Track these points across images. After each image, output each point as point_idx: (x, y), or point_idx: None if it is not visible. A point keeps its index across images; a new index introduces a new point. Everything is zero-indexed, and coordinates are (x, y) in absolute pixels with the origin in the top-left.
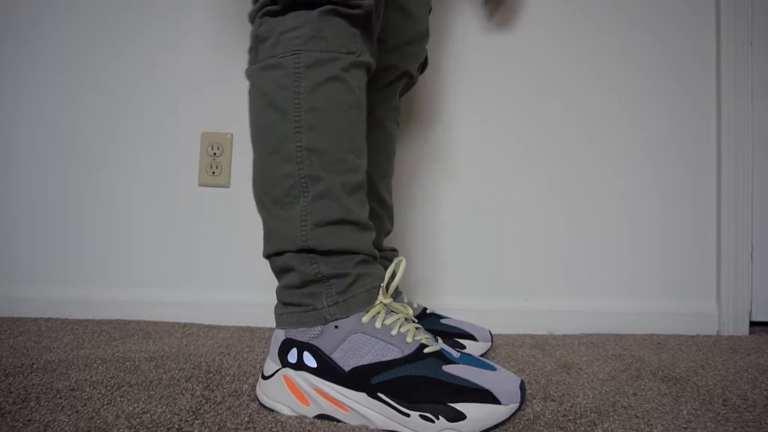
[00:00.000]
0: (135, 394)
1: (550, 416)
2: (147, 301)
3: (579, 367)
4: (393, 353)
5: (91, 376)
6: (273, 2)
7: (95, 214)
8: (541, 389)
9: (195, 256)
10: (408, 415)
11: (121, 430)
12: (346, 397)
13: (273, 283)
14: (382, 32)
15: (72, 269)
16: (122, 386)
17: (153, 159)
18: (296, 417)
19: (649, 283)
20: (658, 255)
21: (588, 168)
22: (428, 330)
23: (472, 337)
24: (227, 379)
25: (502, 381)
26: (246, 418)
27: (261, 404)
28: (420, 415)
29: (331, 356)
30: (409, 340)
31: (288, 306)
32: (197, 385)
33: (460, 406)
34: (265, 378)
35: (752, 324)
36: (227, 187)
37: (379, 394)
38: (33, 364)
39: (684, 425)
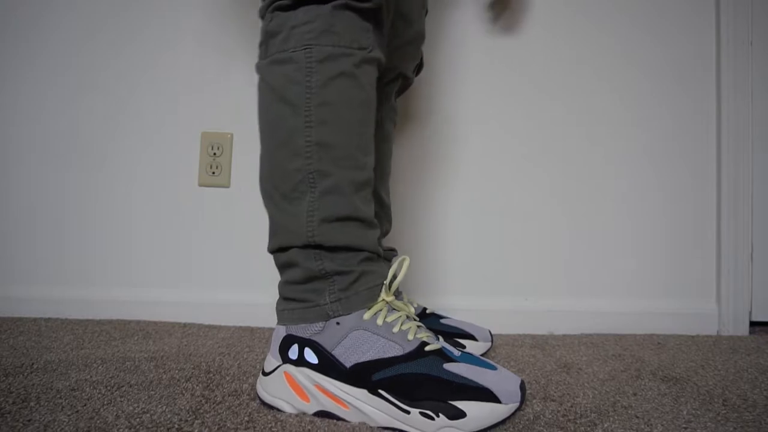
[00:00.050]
0: (135, 394)
1: (550, 416)
2: (147, 301)
3: (579, 367)
4: (394, 350)
5: (91, 376)
6: None
7: (95, 214)
8: (541, 389)
9: (195, 256)
10: (408, 413)
11: (121, 430)
12: (347, 393)
13: (273, 283)
14: None
15: (72, 269)
16: (122, 386)
17: (153, 159)
18: (296, 416)
19: (650, 283)
20: (659, 255)
21: (589, 169)
22: (428, 330)
23: (472, 337)
24: (227, 378)
25: (502, 380)
26: (246, 418)
27: (261, 400)
28: (420, 413)
29: (333, 352)
30: (410, 337)
31: (290, 301)
32: (197, 385)
33: (460, 404)
34: (265, 374)
35: (752, 324)
36: (227, 187)
37: (380, 391)
38: (33, 364)
39: (684, 425)
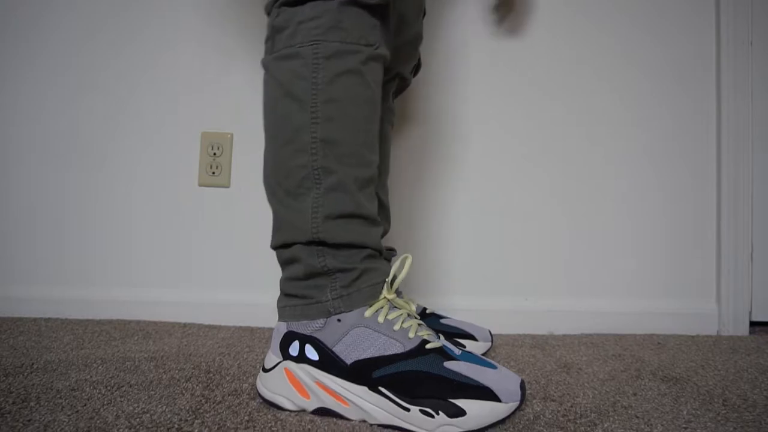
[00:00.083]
0: (135, 394)
1: (550, 416)
2: (147, 301)
3: (579, 367)
4: (395, 348)
5: (91, 376)
6: None
7: (95, 214)
8: (541, 389)
9: (195, 256)
10: (408, 410)
11: (121, 430)
12: (347, 390)
13: (273, 283)
14: None
15: (72, 269)
16: (122, 386)
17: (153, 159)
18: (296, 415)
19: (650, 283)
20: (659, 255)
21: (589, 169)
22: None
23: (472, 337)
24: (227, 378)
25: (503, 379)
26: (246, 417)
27: (261, 397)
28: (420, 410)
29: (333, 349)
30: (411, 335)
31: (291, 298)
32: (197, 385)
33: (460, 403)
34: (265, 371)
35: (752, 324)
36: (227, 187)
37: (380, 388)
38: (33, 364)
39: (684, 425)
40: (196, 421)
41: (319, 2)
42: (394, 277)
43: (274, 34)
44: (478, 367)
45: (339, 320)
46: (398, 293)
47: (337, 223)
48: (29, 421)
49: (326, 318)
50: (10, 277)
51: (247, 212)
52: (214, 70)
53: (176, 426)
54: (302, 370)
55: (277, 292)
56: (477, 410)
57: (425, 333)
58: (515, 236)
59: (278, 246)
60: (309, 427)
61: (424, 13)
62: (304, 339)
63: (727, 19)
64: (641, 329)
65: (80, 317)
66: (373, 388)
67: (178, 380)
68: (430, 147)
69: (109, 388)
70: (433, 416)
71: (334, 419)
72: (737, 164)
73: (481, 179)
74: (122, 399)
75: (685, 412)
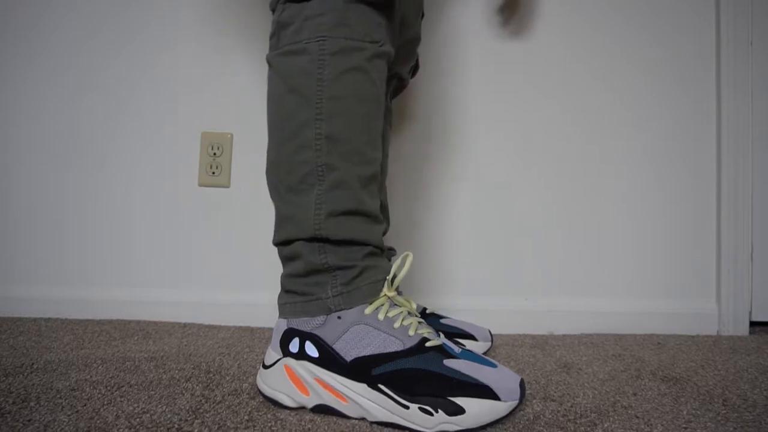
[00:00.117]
0: (135, 394)
1: (550, 416)
2: (147, 301)
3: (579, 367)
4: (395, 345)
5: (91, 376)
6: None
7: (95, 214)
8: (541, 389)
9: (195, 256)
10: (407, 408)
11: (121, 430)
12: (347, 387)
13: (273, 283)
14: None
15: (72, 269)
16: (122, 386)
17: (153, 159)
18: (296, 414)
19: (650, 283)
20: (659, 255)
21: (589, 169)
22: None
23: (471, 337)
24: (227, 378)
25: (502, 378)
26: (246, 417)
27: (261, 393)
28: (419, 408)
29: (333, 346)
30: (411, 333)
31: (292, 294)
32: (197, 385)
33: (459, 401)
34: (266, 367)
35: (752, 324)
36: (227, 187)
37: (380, 386)
38: (33, 364)
39: (684, 425)
40: (196, 421)
41: None
42: (395, 275)
43: (279, 30)
44: (478, 365)
45: (339, 317)
46: (398, 292)
47: (339, 220)
48: (29, 421)
49: (326, 315)
50: (10, 277)
51: (247, 212)
52: (214, 70)
53: (176, 426)
54: (302, 367)
55: (277, 292)
56: (476, 408)
57: (425, 331)
58: (515, 236)
59: (280, 242)
60: (309, 426)
61: (423, 15)
62: (304, 336)
63: (727, 19)
64: (641, 329)
65: (80, 317)
66: (373, 386)
67: (178, 380)
68: (429, 147)
69: (109, 388)
70: (432, 414)
71: (334, 419)
72: (737, 164)
73: (481, 179)
74: (122, 399)
75: (685, 412)
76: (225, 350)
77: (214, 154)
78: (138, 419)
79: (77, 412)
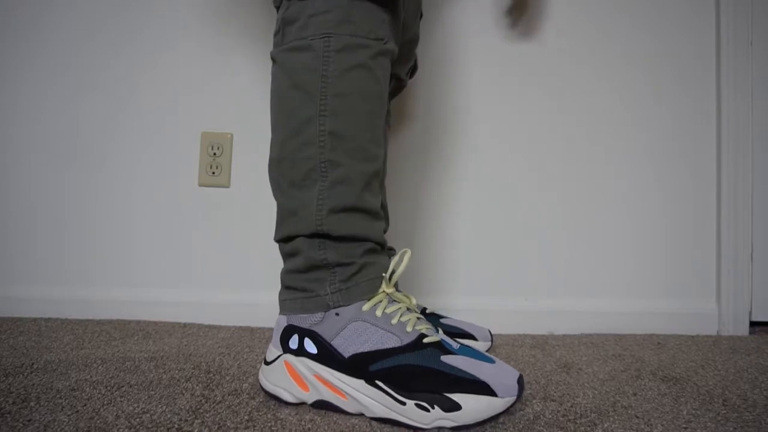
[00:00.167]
0: (135, 394)
1: (550, 416)
2: (147, 301)
3: (579, 367)
4: (392, 341)
5: (91, 376)
6: None
7: (95, 214)
8: (541, 389)
9: (195, 256)
10: (404, 404)
11: (121, 430)
12: (345, 383)
13: (273, 283)
14: None
15: (72, 269)
16: (122, 386)
17: (153, 159)
18: (296, 414)
19: (650, 284)
20: (659, 255)
21: (589, 168)
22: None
23: (471, 337)
24: (227, 378)
25: (499, 374)
26: (246, 417)
27: (263, 389)
28: (416, 404)
29: (332, 343)
30: (409, 329)
31: (291, 290)
32: (197, 385)
33: (456, 397)
34: (267, 364)
35: (752, 324)
36: (227, 187)
37: (377, 382)
38: (33, 364)
39: (684, 425)
40: (196, 421)
41: None
42: (393, 272)
43: (283, 27)
44: (476, 361)
45: (337, 314)
46: (397, 290)
47: (340, 217)
48: (29, 421)
49: (325, 312)
50: (10, 277)
51: (247, 212)
52: (214, 70)
53: (176, 426)
54: (301, 363)
55: (277, 292)
56: (472, 405)
57: (424, 327)
58: (515, 236)
59: (281, 239)
60: (309, 426)
61: (421, 16)
62: (303, 332)
63: (727, 19)
64: (641, 329)
65: (80, 317)
66: (370, 382)
67: (178, 380)
68: (428, 147)
69: (109, 388)
70: (428, 410)
71: (334, 418)
72: (737, 164)
73: (480, 179)
74: (122, 399)
75: (685, 412)
76: (225, 350)
77: (214, 154)
78: (138, 419)
79: (77, 412)
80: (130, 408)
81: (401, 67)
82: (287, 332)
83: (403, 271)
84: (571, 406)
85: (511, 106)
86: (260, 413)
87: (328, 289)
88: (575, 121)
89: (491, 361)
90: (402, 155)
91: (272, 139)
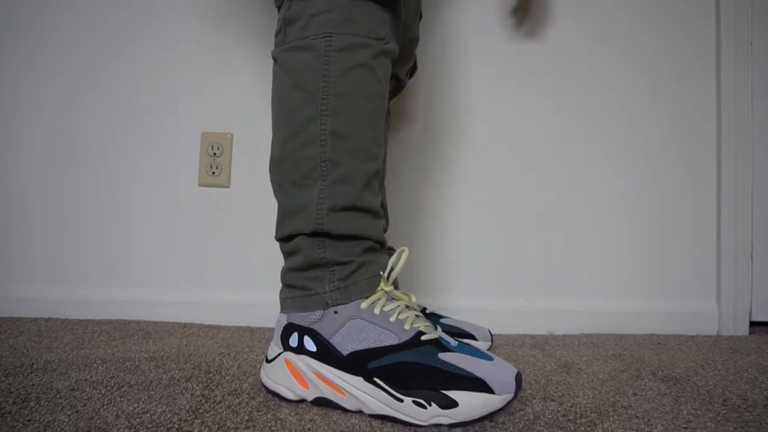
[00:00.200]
0: (135, 394)
1: (550, 416)
2: (147, 301)
3: (579, 367)
4: (390, 339)
5: (91, 376)
6: None
7: (95, 214)
8: (541, 389)
9: (195, 256)
10: (401, 401)
11: (121, 430)
12: (344, 380)
13: (273, 283)
14: None
15: (72, 269)
16: (122, 386)
17: (153, 159)
18: (296, 414)
19: (649, 283)
20: (658, 255)
21: (588, 168)
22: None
23: (471, 337)
24: (227, 378)
25: (497, 371)
26: (246, 417)
27: (264, 386)
28: (413, 401)
29: (330, 340)
30: (407, 327)
31: (291, 289)
32: (197, 385)
33: (452, 394)
34: (268, 361)
35: (752, 324)
36: (227, 187)
37: (375, 379)
38: (33, 364)
39: (684, 425)
40: (196, 421)
41: None
42: (392, 270)
43: (285, 26)
44: (473, 358)
45: (336, 312)
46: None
47: (340, 215)
48: (29, 421)
49: (324, 310)
50: (10, 277)
51: (247, 212)
52: (214, 70)
53: (176, 426)
54: (301, 361)
55: (277, 292)
56: (469, 402)
57: (422, 324)
58: (514, 236)
59: (282, 238)
60: (309, 426)
61: (421, 16)
62: (302, 330)
63: (727, 19)
64: (641, 329)
65: (80, 317)
66: (369, 379)
67: (178, 380)
68: (428, 147)
69: (109, 388)
70: (425, 407)
71: (334, 418)
72: (737, 164)
73: (479, 179)
74: (122, 399)
75: (685, 412)
76: (225, 350)
77: (214, 154)
78: (138, 419)
79: (77, 412)
80: (130, 408)
81: (401, 67)
82: (287, 330)
83: (401, 270)
84: (571, 406)
85: (510, 107)
86: (260, 413)
87: (327, 287)
88: (573, 120)
89: (489, 358)
90: (402, 155)
91: (273, 139)
